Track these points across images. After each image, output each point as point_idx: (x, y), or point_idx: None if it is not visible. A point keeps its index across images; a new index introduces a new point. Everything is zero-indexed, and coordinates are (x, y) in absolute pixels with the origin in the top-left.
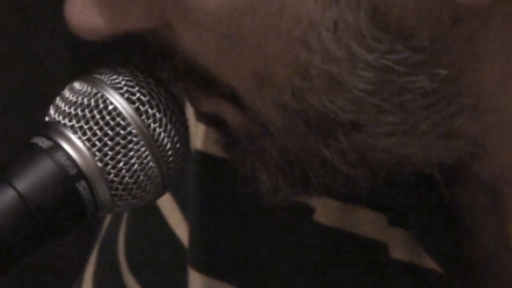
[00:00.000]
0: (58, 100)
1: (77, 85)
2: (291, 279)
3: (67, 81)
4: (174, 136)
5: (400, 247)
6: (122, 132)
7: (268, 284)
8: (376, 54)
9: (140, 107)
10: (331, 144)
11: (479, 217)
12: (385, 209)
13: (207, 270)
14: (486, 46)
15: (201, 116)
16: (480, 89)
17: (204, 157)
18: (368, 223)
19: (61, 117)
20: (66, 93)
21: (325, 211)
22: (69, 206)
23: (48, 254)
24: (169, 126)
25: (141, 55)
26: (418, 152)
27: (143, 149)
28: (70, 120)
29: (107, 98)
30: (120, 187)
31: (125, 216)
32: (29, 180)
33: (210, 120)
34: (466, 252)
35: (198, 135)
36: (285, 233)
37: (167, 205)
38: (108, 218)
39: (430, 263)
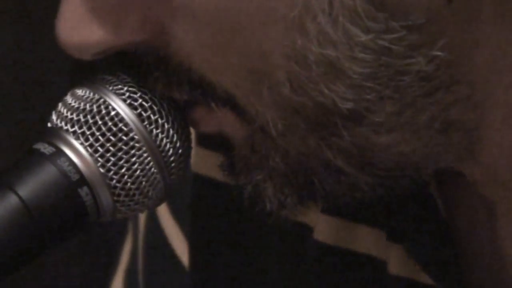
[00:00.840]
0: (60, 106)
1: (79, 91)
2: None
3: (69, 86)
4: (176, 142)
5: (399, 263)
6: (124, 138)
7: None
8: (372, 34)
9: (142, 113)
10: (332, 143)
11: (475, 231)
12: (384, 226)
13: None
14: (481, 31)
15: (204, 140)
16: (474, 78)
17: (199, 180)
18: (367, 240)
19: (63, 123)
20: (68, 99)
21: (324, 229)
22: (71, 212)
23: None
24: (171, 132)
25: (135, 69)
26: (418, 150)
27: (145, 155)
28: (72, 126)
29: (109, 104)
30: (123, 193)
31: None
32: (31, 186)
33: (213, 142)
34: (463, 268)
35: (193, 157)
36: (285, 252)
37: (170, 226)
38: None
39: (428, 279)
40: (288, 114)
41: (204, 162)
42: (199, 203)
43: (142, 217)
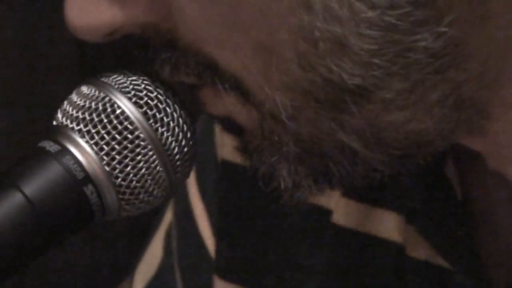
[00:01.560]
0: (65, 104)
1: (84, 89)
2: (311, 280)
3: (74, 84)
4: (181, 140)
5: (417, 246)
6: (129, 136)
7: (289, 286)
8: (378, 10)
9: (148, 111)
10: (344, 123)
11: (493, 211)
12: (402, 209)
13: (231, 277)
14: (490, 6)
15: (225, 126)
16: (485, 55)
17: (225, 166)
18: (385, 224)
19: (68, 121)
20: (74, 97)
21: (343, 212)
22: (76, 210)
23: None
24: (176, 130)
25: (142, 52)
26: (431, 127)
27: (150, 153)
28: (77, 124)
29: (114, 102)
30: (128, 191)
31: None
32: (36, 184)
33: (224, 124)
34: (480, 249)
35: (223, 145)
36: (305, 236)
37: (201, 215)
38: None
39: (443, 262)
40: (297, 94)
41: (227, 147)
42: (223, 189)
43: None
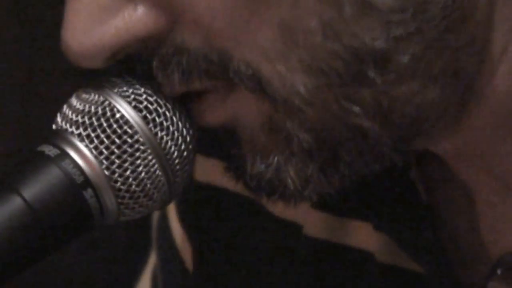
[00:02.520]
0: (65, 108)
1: (84, 93)
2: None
3: (73, 88)
4: (181, 144)
5: (386, 252)
6: (129, 140)
7: None
8: None
9: (147, 115)
10: (359, 99)
11: (454, 213)
12: (370, 217)
13: None
14: None
15: (202, 147)
16: (478, 18)
17: (203, 188)
18: (355, 234)
19: (68, 125)
20: (73, 101)
21: (315, 224)
22: (75, 214)
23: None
24: (176, 134)
25: (147, 67)
26: (435, 101)
27: (150, 157)
28: (77, 128)
29: (114, 106)
30: (127, 195)
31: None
32: (35, 188)
33: (219, 134)
34: (446, 250)
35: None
36: (278, 253)
37: (179, 234)
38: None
39: (413, 265)
40: (317, 73)
41: (201, 169)
42: (199, 208)
43: (155, 214)
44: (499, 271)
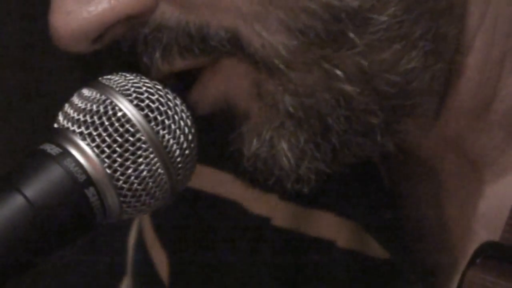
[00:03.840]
0: (67, 107)
1: (86, 91)
2: (256, 281)
3: (75, 87)
4: (183, 142)
5: (348, 239)
6: (131, 138)
7: None
8: None
9: (149, 113)
10: (340, 62)
11: (419, 198)
12: (334, 205)
13: None
14: None
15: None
16: None
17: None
18: (318, 223)
19: (70, 124)
20: (75, 99)
21: (282, 215)
22: (77, 213)
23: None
24: (178, 133)
25: (132, 47)
26: (417, 70)
27: (152, 155)
28: (79, 127)
29: (116, 105)
30: (129, 193)
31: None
32: (38, 186)
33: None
34: (408, 232)
35: None
36: (246, 245)
37: (151, 239)
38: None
39: (376, 251)
40: (295, 33)
41: None
42: (171, 210)
43: (132, 241)
44: (478, 260)
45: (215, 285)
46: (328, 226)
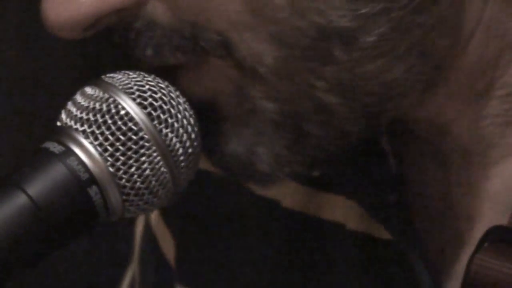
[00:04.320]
0: (69, 105)
1: (88, 89)
2: (262, 272)
3: (78, 85)
4: (186, 141)
5: (357, 220)
6: (134, 137)
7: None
8: None
9: (152, 112)
10: (324, 74)
11: (426, 180)
12: (343, 188)
13: (192, 283)
14: None
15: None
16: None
17: None
18: (328, 206)
19: (72, 122)
20: (78, 97)
21: (292, 196)
22: (80, 211)
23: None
24: (181, 131)
25: (124, 38)
26: (400, 79)
27: (155, 154)
28: (82, 125)
29: (119, 103)
30: (132, 192)
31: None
32: (40, 185)
33: (201, 108)
34: (415, 218)
35: None
36: (256, 225)
37: (158, 223)
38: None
39: (382, 233)
40: (283, 45)
41: None
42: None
43: (139, 227)
44: (486, 244)
45: (223, 269)
46: (338, 209)
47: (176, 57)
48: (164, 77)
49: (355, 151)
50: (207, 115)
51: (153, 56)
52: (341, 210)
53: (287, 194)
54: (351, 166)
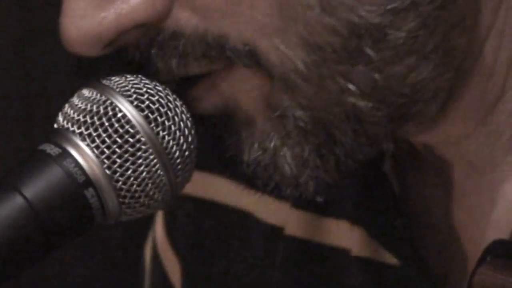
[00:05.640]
0: (67, 107)
1: (86, 92)
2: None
3: (75, 87)
4: (183, 144)
5: (361, 246)
6: (130, 140)
7: None
8: None
9: (149, 114)
10: (355, 76)
11: (429, 204)
12: (347, 213)
13: None
14: None
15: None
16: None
17: (189, 201)
18: (332, 232)
19: (70, 124)
20: (75, 100)
21: (295, 223)
22: (77, 214)
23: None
24: (178, 134)
25: (146, 52)
26: (426, 80)
27: (151, 157)
28: (79, 127)
29: (116, 106)
30: (128, 195)
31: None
32: (37, 187)
33: (217, 120)
34: (418, 242)
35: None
36: (261, 253)
37: (165, 248)
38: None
39: (387, 258)
40: (314, 48)
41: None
42: (188, 225)
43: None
44: (488, 258)
45: None
46: (343, 234)
47: (200, 65)
48: (183, 89)
49: (358, 176)
50: (226, 122)
51: (177, 67)
52: (345, 236)
53: (290, 221)
54: (354, 191)
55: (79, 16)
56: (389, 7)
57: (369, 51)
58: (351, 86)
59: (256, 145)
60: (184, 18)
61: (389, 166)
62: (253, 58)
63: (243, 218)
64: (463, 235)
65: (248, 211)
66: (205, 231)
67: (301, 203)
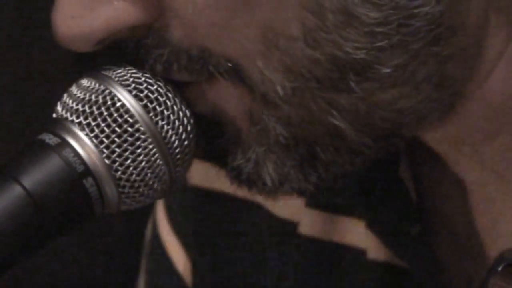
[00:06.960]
0: (65, 97)
1: (85, 81)
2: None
3: (73, 77)
4: (182, 133)
5: (377, 249)
6: (129, 129)
7: None
8: None
9: (148, 104)
10: (338, 103)
11: (448, 207)
12: (363, 214)
13: None
14: None
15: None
16: (470, 27)
17: (197, 192)
18: (348, 231)
19: (68, 114)
20: (74, 89)
21: (308, 222)
22: (76, 203)
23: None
24: (177, 124)
25: (133, 54)
26: (416, 107)
27: (150, 146)
28: (77, 117)
29: (115, 95)
30: (127, 184)
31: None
32: (36, 176)
33: (207, 123)
34: (438, 248)
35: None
36: (273, 248)
37: (172, 243)
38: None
39: (403, 262)
40: (297, 75)
41: (199, 173)
42: (196, 213)
43: (148, 235)
44: (500, 268)
45: (238, 281)
46: (359, 234)
47: (184, 75)
48: (173, 88)
49: (373, 181)
50: (213, 130)
51: (162, 72)
52: (361, 236)
53: (304, 218)
54: (368, 196)
55: (69, 15)
56: (376, 45)
57: (352, 83)
58: (333, 111)
59: (239, 154)
60: (172, 27)
61: (404, 170)
62: (235, 75)
63: (254, 210)
64: (485, 241)
65: (259, 203)
66: (214, 223)
67: (315, 202)
